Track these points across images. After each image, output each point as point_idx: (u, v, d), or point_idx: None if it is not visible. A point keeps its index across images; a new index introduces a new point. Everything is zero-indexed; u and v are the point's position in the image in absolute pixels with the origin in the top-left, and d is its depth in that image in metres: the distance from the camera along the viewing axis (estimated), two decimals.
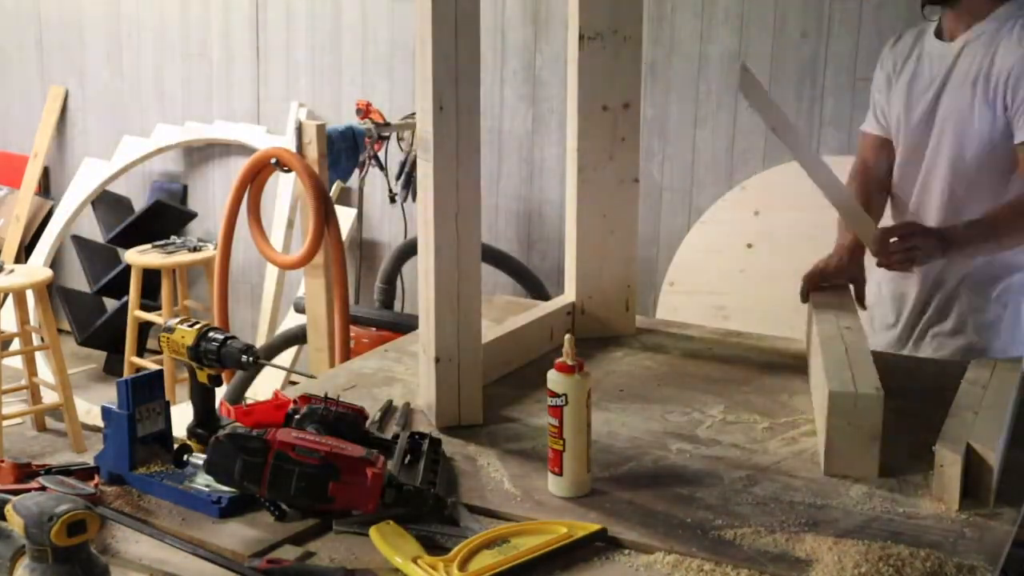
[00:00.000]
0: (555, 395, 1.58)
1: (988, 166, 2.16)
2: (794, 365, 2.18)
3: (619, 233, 2.30)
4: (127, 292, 4.64)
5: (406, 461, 1.66)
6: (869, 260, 2.23)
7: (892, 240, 2.11)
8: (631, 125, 2.24)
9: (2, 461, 1.61)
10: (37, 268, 4.72)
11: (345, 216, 4.11)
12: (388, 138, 3.91)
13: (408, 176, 3.83)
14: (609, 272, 2.31)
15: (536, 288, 3.89)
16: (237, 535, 1.45)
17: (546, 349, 2.20)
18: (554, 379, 1.59)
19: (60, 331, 4.55)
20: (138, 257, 4.50)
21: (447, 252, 1.80)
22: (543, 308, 2.30)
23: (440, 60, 1.73)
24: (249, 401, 1.88)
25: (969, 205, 2.18)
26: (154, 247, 4.60)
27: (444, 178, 1.77)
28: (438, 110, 1.74)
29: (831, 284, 2.24)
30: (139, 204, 5.11)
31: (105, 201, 5.09)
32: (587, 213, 2.27)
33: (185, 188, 5.12)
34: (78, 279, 5.34)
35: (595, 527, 1.45)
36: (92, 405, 4.44)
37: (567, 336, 1.61)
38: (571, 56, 2.21)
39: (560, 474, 1.59)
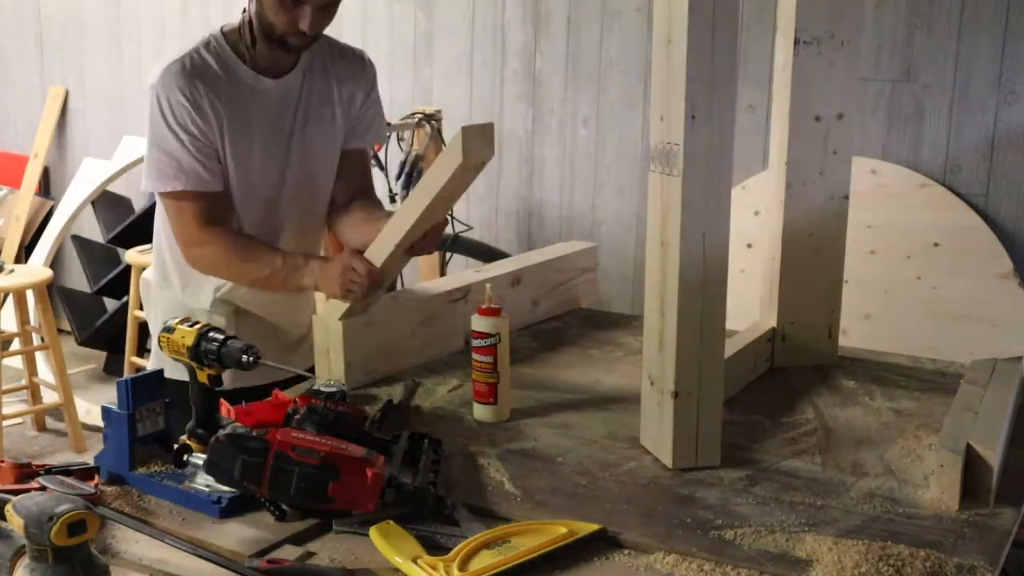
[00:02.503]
0: (487, 336, 1.86)
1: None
2: (795, 364, 2.19)
3: (825, 253, 2.18)
4: (127, 292, 4.64)
5: (405, 460, 1.66)
6: None
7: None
8: (844, 137, 2.13)
9: (2, 461, 1.61)
10: (37, 268, 4.72)
11: None
12: (388, 138, 3.91)
13: (408, 176, 3.83)
14: (813, 295, 2.19)
15: None
16: (237, 535, 1.45)
17: (750, 379, 2.12)
18: (484, 323, 1.87)
19: (60, 331, 4.55)
20: (138, 257, 4.50)
21: (692, 276, 1.65)
22: (743, 337, 2.15)
23: (695, 62, 1.58)
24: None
25: None
26: None
27: (694, 195, 1.62)
28: (690, 119, 1.59)
29: None
30: (139, 204, 5.11)
31: (105, 201, 5.09)
32: (793, 231, 2.15)
33: None
34: (78, 279, 5.34)
35: (595, 527, 1.45)
36: (92, 405, 4.44)
37: (488, 284, 1.92)
38: (781, 62, 2.11)
39: (495, 403, 1.87)
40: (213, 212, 2.08)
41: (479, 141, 1.85)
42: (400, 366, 2.15)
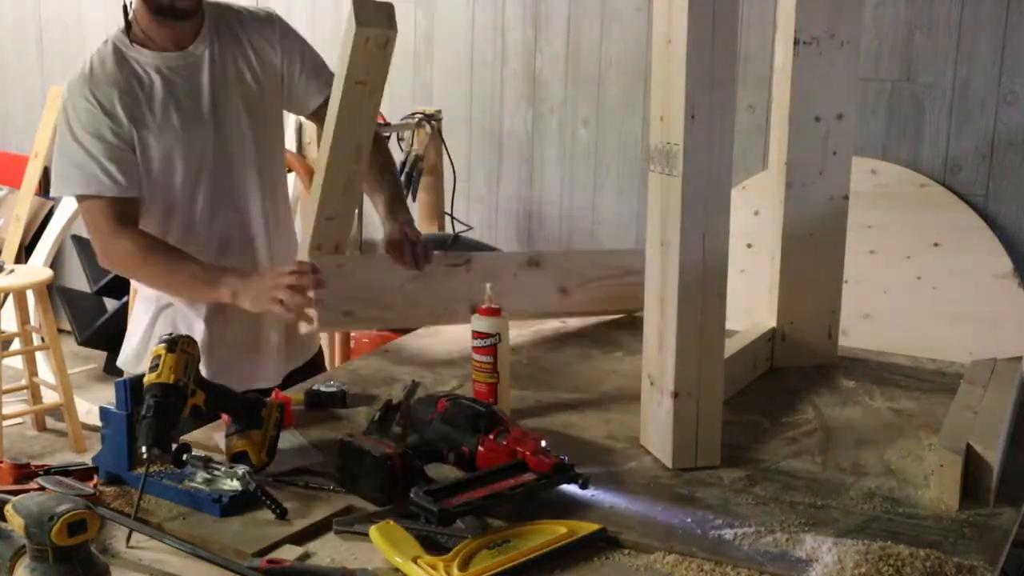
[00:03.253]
0: (487, 336, 1.85)
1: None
2: (795, 364, 2.19)
3: (825, 254, 2.18)
4: (127, 292, 4.63)
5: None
6: None
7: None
8: (844, 138, 2.12)
9: (1, 461, 1.61)
10: (37, 268, 4.72)
11: None
12: (388, 138, 3.91)
13: (408, 176, 3.83)
14: (813, 296, 2.19)
15: None
16: (237, 534, 1.45)
17: (750, 379, 2.11)
18: (484, 322, 1.85)
19: (60, 331, 4.55)
20: None
21: (692, 276, 1.64)
22: (743, 337, 2.14)
23: (695, 62, 1.57)
24: None
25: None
26: None
27: (694, 195, 1.62)
28: (689, 119, 1.59)
29: None
30: None
31: None
32: (793, 231, 2.15)
33: None
34: (78, 279, 5.34)
35: (595, 527, 1.45)
36: (92, 405, 4.44)
37: (488, 284, 1.89)
38: (781, 62, 2.11)
39: (495, 403, 1.82)
40: (124, 213, 2.07)
41: (375, 13, 1.92)
42: (388, 318, 2.16)
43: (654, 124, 1.69)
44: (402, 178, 3.83)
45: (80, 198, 2.08)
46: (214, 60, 2.14)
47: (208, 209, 2.15)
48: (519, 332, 2.43)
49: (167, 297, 2.18)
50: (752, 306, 2.30)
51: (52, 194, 2.10)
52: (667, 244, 1.67)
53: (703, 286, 1.66)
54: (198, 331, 2.13)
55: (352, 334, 3.33)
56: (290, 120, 4.43)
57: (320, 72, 2.27)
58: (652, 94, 1.70)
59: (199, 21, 2.13)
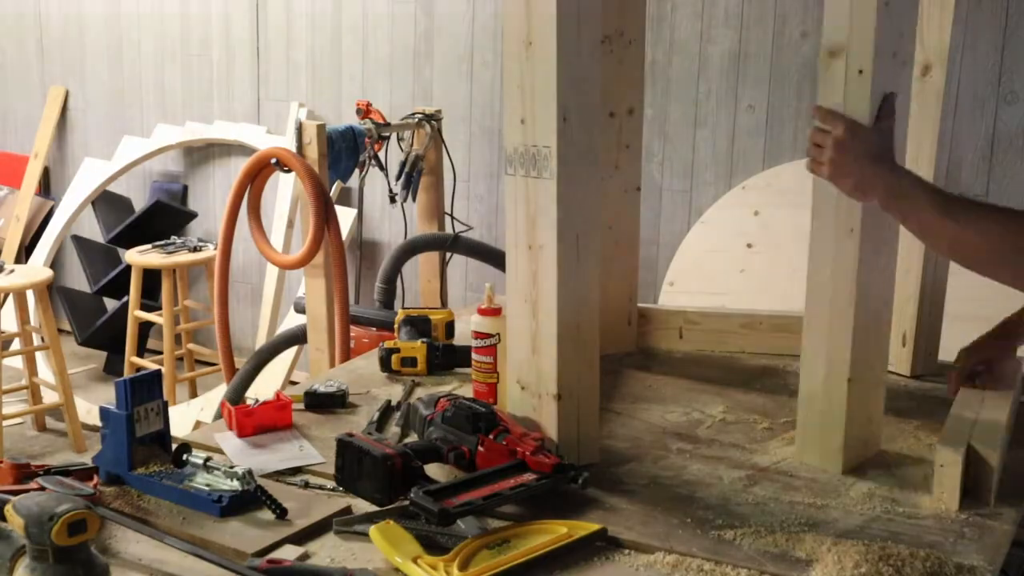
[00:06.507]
0: (488, 336, 1.87)
1: None
2: (793, 364, 2.19)
3: (623, 244, 2.21)
4: (127, 292, 4.64)
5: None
6: None
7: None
8: (635, 131, 2.18)
9: (1, 461, 1.60)
10: (37, 268, 4.72)
11: (345, 216, 4.11)
12: (388, 138, 3.90)
13: (408, 176, 3.83)
14: (613, 285, 2.20)
15: None
16: (238, 534, 1.45)
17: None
18: (485, 323, 1.87)
19: (60, 331, 4.55)
20: (138, 257, 4.50)
21: (569, 278, 1.64)
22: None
23: (565, 64, 1.57)
24: (249, 401, 1.87)
25: None
26: (154, 247, 4.60)
27: (569, 197, 1.61)
28: (562, 121, 1.58)
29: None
30: (139, 204, 5.11)
31: (105, 201, 5.10)
32: None
33: (185, 188, 5.12)
34: (78, 279, 5.35)
35: (595, 527, 1.45)
36: (92, 405, 4.44)
37: (488, 284, 1.90)
38: None
39: (495, 403, 1.83)
40: None
41: None
42: None
43: (512, 127, 1.65)
44: (402, 178, 3.83)
45: None
46: None
47: None
48: None
49: None
50: (752, 305, 2.30)
51: None
52: (537, 248, 1.64)
53: (579, 288, 1.65)
54: None
55: (352, 334, 3.32)
56: (290, 119, 4.44)
57: None
58: (507, 97, 1.65)
59: None
